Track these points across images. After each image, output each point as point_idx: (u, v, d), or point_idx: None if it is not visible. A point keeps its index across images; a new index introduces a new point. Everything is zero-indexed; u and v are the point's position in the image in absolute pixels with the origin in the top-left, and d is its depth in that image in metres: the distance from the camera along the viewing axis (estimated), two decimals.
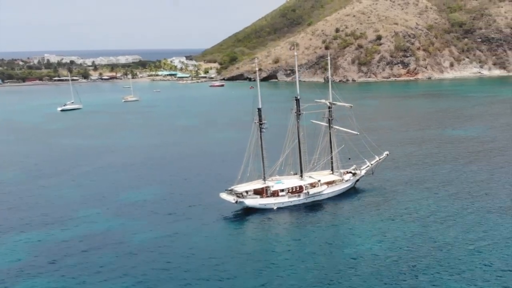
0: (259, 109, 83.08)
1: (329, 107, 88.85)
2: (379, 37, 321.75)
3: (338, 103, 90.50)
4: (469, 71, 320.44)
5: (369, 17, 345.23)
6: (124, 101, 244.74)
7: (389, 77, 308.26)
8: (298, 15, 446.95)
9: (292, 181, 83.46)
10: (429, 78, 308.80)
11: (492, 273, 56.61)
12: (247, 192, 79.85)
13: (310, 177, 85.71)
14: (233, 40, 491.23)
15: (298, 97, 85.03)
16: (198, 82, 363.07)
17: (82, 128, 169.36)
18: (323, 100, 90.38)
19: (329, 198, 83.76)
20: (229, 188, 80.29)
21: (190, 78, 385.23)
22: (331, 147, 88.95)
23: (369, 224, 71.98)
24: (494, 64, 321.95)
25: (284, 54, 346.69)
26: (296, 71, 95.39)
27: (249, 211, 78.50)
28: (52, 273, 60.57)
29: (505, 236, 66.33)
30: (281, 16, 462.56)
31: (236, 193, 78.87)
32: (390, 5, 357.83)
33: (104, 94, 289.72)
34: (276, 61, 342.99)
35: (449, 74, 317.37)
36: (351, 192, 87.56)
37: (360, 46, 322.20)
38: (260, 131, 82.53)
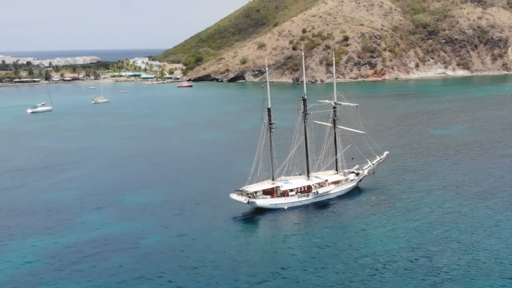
0: (268, 109, 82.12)
1: (334, 107, 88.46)
2: (346, 38, 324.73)
3: (343, 103, 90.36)
4: (434, 71, 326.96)
5: (335, 18, 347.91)
6: (94, 103, 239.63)
7: (357, 78, 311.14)
8: (262, 15, 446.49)
9: (300, 181, 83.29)
10: (396, 78, 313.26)
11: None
12: (255, 192, 78.91)
13: (316, 177, 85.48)
14: (196, 40, 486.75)
15: (305, 97, 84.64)
16: (164, 83, 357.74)
17: (59, 131, 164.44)
18: (326, 101, 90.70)
19: (335, 198, 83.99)
20: (240, 189, 79.44)
21: (155, 78, 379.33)
22: (336, 147, 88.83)
23: (379, 222, 72.37)
24: (458, 64, 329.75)
25: (251, 54, 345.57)
26: (304, 71, 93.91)
27: (259, 212, 77.95)
28: (67, 277, 58.63)
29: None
30: (245, 17, 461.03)
31: (247, 194, 77.99)
32: (355, 7, 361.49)
33: (72, 96, 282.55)
34: (244, 61, 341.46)
35: (415, 75, 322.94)
36: (355, 191, 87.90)
37: (327, 47, 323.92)
38: (270, 131, 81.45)
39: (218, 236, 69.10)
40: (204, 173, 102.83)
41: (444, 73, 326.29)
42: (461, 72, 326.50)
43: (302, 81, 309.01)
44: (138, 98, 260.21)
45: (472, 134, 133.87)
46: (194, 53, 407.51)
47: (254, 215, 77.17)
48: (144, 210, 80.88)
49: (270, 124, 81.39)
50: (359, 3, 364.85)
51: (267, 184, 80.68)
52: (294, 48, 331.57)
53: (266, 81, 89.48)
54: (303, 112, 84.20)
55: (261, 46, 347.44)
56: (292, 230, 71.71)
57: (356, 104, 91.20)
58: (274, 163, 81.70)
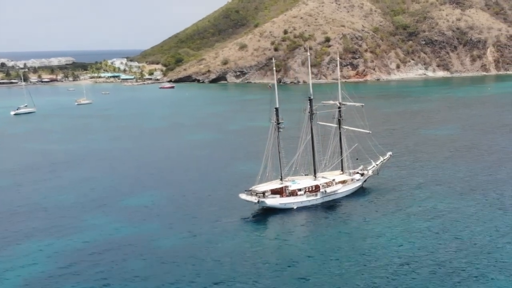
0: (276, 109, 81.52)
1: (339, 108, 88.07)
2: (327, 39, 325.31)
3: (348, 103, 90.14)
4: (414, 72, 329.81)
5: (316, 19, 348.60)
6: (77, 104, 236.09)
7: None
8: (242, 16, 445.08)
9: (307, 181, 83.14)
10: (378, 79, 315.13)
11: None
12: (264, 192, 78.39)
13: (323, 177, 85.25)
14: (174, 41, 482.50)
15: (311, 98, 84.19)
16: (144, 84, 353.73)
17: (47, 132, 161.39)
18: (331, 101, 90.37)
19: (343, 198, 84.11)
20: (249, 189, 78.95)
21: (135, 80, 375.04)
22: (341, 148, 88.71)
23: (390, 222, 72.65)
24: (438, 65, 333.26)
25: (233, 55, 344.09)
26: (309, 71, 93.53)
27: (268, 211, 77.68)
28: (84, 281, 57.55)
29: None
30: (224, 17, 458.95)
31: (257, 193, 77.58)
32: (336, 8, 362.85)
33: (52, 97, 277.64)
34: (225, 62, 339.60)
35: (396, 76, 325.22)
36: (361, 191, 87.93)
37: (309, 48, 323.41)
38: (278, 131, 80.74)
39: (230, 237, 68.63)
40: (204, 174, 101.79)
41: (425, 74, 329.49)
42: (441, 73, 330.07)
43: (285, 82, 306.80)
44: (121, 100, 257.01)
45: (464, 134, 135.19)
46: (173, 54, 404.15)
47: (263, 215, 76.94)
48: (150, 212, 79.85)
49: (278, 124, 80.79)
50: (339, 4, 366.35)
51: (276, 184, 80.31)
52: (276, 49, 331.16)
53: (274, 81, 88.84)
54: (309, 113, 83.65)
55: (243, 47, 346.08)
56: (305, 231, 71.73)
57: (361, 104, 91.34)
58: (282, 163, 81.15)
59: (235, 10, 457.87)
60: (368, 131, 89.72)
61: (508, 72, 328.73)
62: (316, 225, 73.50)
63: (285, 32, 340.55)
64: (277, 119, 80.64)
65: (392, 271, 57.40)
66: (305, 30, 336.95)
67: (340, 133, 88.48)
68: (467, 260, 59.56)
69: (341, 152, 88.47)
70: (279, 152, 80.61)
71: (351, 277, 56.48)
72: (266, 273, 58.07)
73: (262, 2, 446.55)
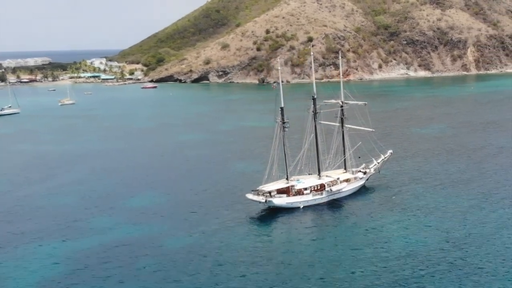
0: (281, 108, 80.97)
1: (341, 106, 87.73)
2: (310, 39, 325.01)
3: (351, 102, 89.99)
4: (396, 72, 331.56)
5: (298, 19, 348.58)
6: (61, 104, 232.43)
7: (322, 78, 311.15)
8: (222, 15, 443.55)
9: (312, 180, 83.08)
10: (361, 79, 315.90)
11: None
12: (270, 192, 78.09)
13: (327, 176, 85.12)
14: (154, 40, 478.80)
15: (315, 97, 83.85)
16: (125, 84, 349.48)
17: (36, 133, 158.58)
18: (332, 100, 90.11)
19: (347, 196, 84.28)
20: (256, 189, 78.61)
21: (115, 80, 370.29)
22: (344, 146, 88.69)
23: (394, 218, 73.36)
24: (420, 65, 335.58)
25: (215, 55, 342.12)
26: (313, 70, 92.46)
27: (274, 211, 77.42)
28: (98, 283, 56.98)
29: None
30: (205, 17, 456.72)
31: (264, 193, 77.32)
32: (317, 8, 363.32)
33: (34, 98, 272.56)
34: (207, 62, 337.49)
35: (378, 75, 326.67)
36: (364, 190, 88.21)
37: (292, 48, 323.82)
38: (283, 130, 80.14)
39: (240, 237, 68.38)
40: (204, 175, 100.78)
41: (407, 73, 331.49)
42: (422, 73, 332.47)
43: (268, 82, 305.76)
44: (104, 100, 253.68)
45: (455, 132, 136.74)
46: (154, 54, 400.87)
47: (270, 215, 76.64)
48: (157, 213, 79.06)
49: (284, 123, 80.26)
50: (321, 4, 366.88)
51: (282, 184, 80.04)
52: (258, 49, 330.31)
53: (279, 80, 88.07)
54: (313, 112, 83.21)
55: (225, 46, 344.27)
56: (314, 229, 71.87)
57: (364, 102, 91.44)
58: (288, 162, 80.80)
59: (216, 9, 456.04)
60: (372, 129, 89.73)
61: (488, 71, 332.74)
62: (324, 224, 73.45)
63: (267, 31, 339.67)
64: (282, 119, 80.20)
65: (407, 267, 57.53)
66: (288, 30, 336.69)
67: (342, 132, 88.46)
68: (481, 257, 59.80)
69: (344, 151, 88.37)
70: (284, 152, 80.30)
71: (365, 276, 56.38)
72: (286, 273, 57.78)
73: (242, 1, 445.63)
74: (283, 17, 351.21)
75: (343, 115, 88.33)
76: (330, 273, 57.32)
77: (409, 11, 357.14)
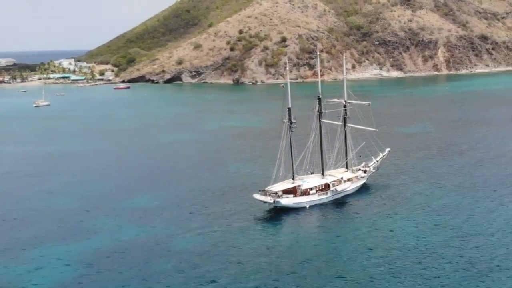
0: (289, 109, 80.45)
1: (344, 106, 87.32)
2: (284, 39, 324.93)
3: (354, 102, 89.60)
4: (369, 72, 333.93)
5: (271, 19, 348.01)
6: (36, 106, 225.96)
7: (297, 79, 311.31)
8: (193, 15, 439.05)
9: (317, 180, 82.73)
10: (335, 79, 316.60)
11: None
12: (276, 192, 77.50)
13: (330, 175, 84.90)
14: (122, 40, 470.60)
15: (320, 96, 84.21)
16: (96, 84, 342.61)
17: (17, 135, 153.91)
18: (335, 99, 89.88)
19: (349, 195, 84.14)
20: (263, 189, 77.97)
21: (86, 80, 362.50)
22: (346, 145, 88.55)
23: (399, 216, 73.55)
24: (392, 65, 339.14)
25: (187, 55, 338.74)
26: (318, 69, 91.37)
27: (281, 211, 76.86)
28: (104, 284, 56.21)
29: None
30: (175, 17, 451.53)
31: (271, 194, 76.79)
32: (290, 8, 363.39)
33: (4, 99, 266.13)
34: (180, 62, 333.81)
35: (352, 76, 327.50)
36: (365, 188, 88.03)
37: (266, 48, 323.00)
38: (290, 131, 79.54)
39: (249, 237, 67.72)
40: (203, 175, 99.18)
41: (380, 74, 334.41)
42: (395, 73, 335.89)
43: (243, 82, 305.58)
44: (78, 101, 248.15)
45: (440, 131, 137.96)
46: (124, 54, 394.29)
47: (277, 215, 76.01)
48: (161, 213, 78.02)
49: (291, 123, 79.72)
50: (293, 5, 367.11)
51: (288, 184, 79.54)
52: (231, 49, 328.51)
53: (287, 81, 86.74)
54: (318, 111, 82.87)
55: (197, 46, 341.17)
56: (322, 228, 72.10)
57: (368, 102, 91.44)
58: (294, 162, 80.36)
59: (186, 9, 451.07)
60: (375, 129, 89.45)
61: (458, 71, 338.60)
62: (331, 224, 73.39)
63: (240, 32, 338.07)
64: (290, 119, 79.52)
65: (417, 265, 57.84)
66: (261, 30, 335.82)
67: (345, 131, 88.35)
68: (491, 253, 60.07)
69: (346, 150, 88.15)
70: (291, 152, 79.83)
71: (375, 273, 56.38)
72: (301, 272, 57.57)
73: (213, 1, 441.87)
74: (256, 17, 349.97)
75: (346, 115, 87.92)
76: (346, 272, 57.12)
77: (381, 12, 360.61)
